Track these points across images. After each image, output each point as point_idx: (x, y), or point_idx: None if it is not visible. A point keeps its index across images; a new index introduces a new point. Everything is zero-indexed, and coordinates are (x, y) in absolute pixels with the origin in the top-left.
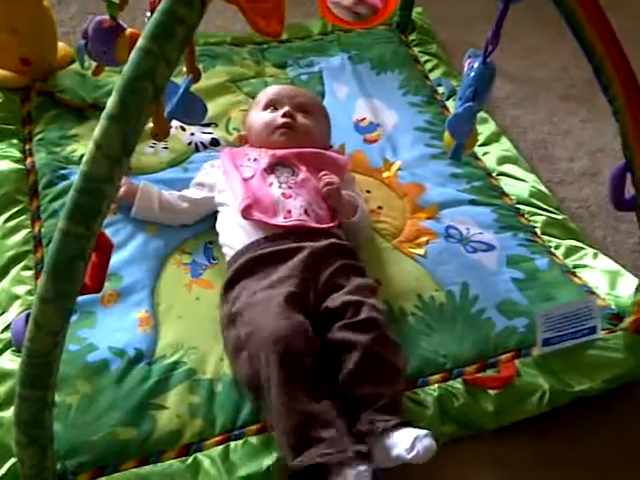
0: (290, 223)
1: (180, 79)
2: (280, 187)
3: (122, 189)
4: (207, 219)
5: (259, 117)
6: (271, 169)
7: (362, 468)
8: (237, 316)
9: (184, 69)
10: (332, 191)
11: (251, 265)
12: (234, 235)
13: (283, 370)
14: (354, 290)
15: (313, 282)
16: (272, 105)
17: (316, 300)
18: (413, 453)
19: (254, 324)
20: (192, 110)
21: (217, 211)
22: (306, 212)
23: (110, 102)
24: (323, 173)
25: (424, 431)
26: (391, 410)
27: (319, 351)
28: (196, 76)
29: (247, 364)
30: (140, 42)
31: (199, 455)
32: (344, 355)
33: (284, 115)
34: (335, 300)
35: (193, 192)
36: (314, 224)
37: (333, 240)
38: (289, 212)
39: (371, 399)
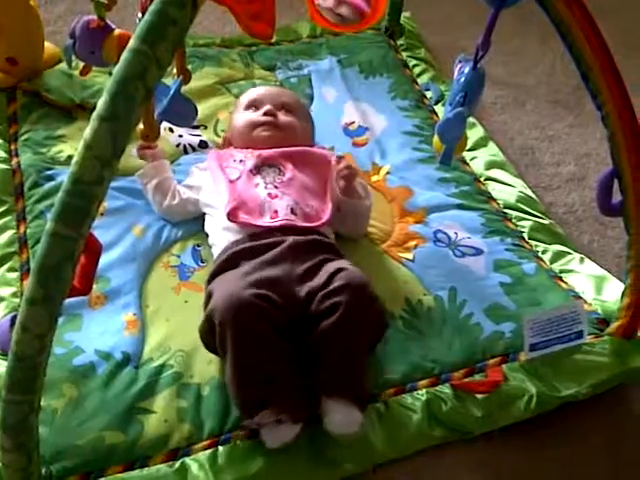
0: (276, 223)
1: (170, 80)
2: (266, 187)
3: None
4: (195, 220)
5: (240, 117)
6: (257, 170)
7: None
8: (208, 298)
9: (174, 71)
10: (352, 174)
11: (233, 258)
12: (221, 236)
13: (235, 333)
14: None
15: (289, 271)
16: (253, 105)
17: (291, 290)
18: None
19: (216, 296)
20: (182, 112)
21: (204, 213)
22: (292, 211)
23: (101, 103)
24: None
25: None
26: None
27: (283, 324)
28: (186, 78)
29: (207, 327)
30: (131, 43)
31: (187, 460)
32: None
33: (265, 113)
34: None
35: (184, 191)
36: (301, 223)
37: (317, 237)
38: (275, 212)
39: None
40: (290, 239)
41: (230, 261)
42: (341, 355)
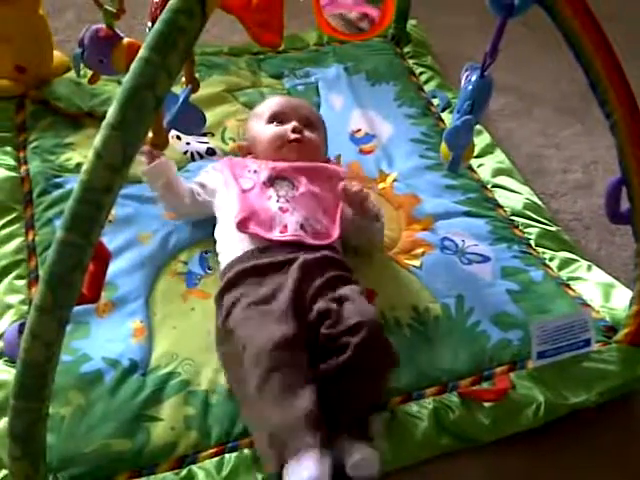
0: (285, 238)
1: (179, 89)
2: (278, 201)
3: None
4: (203, 227)
5: (265, 130)
6: (271, 182)
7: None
8: (231, 333)
9: (183, 79)
10: (365, 197)
11: (242, 276)
12: (229, 245)
13: (270, 378)
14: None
15: (304, 294)
16: (277, 118)
17: (305, 310)
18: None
19: (247, 340)
20: (191, 120)
21: (215, 217)
22: (302, 227)
23: (111, 112)
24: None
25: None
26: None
27: (308, 360)
28: (195, 86)
29: (238, 377)
30: (141, 52)
31: (193, 467)
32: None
33: (294, 130)
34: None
35: (199, 192)
36: (310, 240)
37: (327, 253)
38: (285, 227)
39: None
40: (300, 258)
41: (239, 278)
42: (360, 398)
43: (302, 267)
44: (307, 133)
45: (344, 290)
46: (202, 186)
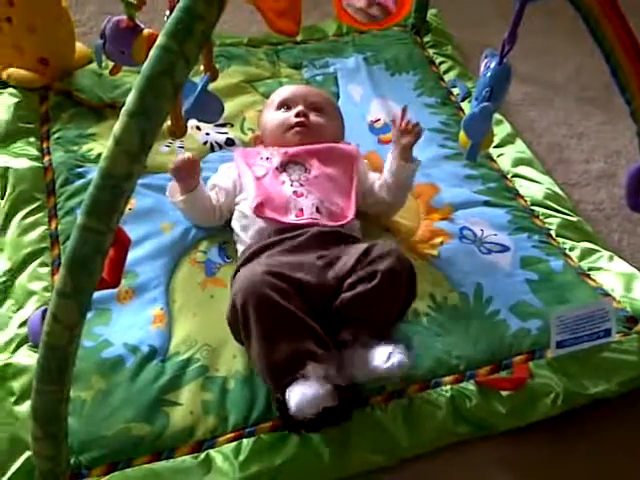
0: (301, 221)
1: (197, 78)
2: (292, 185)
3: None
4: None
5: (272, 117)
6: (283, 167)
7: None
8: (232, 285)
9: (201, 68)
10: (420, 132)
11: (257, 252)
12: (247, 232)
13: (259, 313)
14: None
15: (312, 258)
16: (285, 105)
17: (316, 274)
18: (389, 364)
19: (240, 280)
20: (209, 108)
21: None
22: (318, 210)
23: (130, 99)
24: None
25: (400, 345)
26: (378, 333)
27: (303, 299)
28: (213, 75)
29: (232, 314)
30: (160, 39)
31: (211, 452)
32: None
33: (297, 114)
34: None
35: (215, 197)
36: (326, 221)
37: (342, 231)
38: (301, 211)
39: (363, 320)
40: (314, 229)
41: (254, 255)
42: (377, 315)
43: (315, 236)
44: (313, 117)
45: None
46: (215, 187)
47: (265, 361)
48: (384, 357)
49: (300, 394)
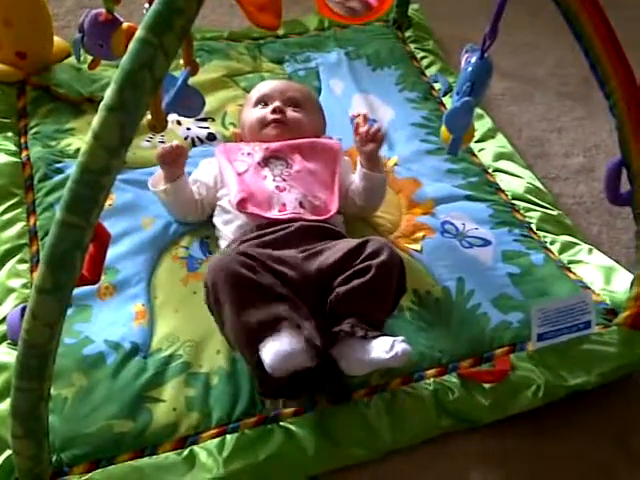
0: (284, 216)
1: (178, 72)
2: (274, 180)
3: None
4: None
5: (250, 114)
6: (265, 162)
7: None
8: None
9: (182, 62)
10: (381, 137)
11: (238, 245)
12: (229, 227)
13: (228, 285)
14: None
15: (294, 252)
16: (263, 101)
17: (296, 264)
18: (392, 353)
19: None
20: (190, 103)
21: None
22: (301, 204)
23: (108, 93)
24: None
25: (400, 337)
26: (374, 326)
27: (266, 270)
28: (194, 69)
29: (206, 297)
30: (139, 33)
31: (195, 448)
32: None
33: (274, 111)
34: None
35: (196, 191)
36: (310, 216)
37: (326, 225)
38: (284, 205)
39: (358, 314)
40: (297, 224)
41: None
42: (372, 308)
43: (298, 230)
44: (290, 113)
45: (347, 241)
46: (195, 182)
47: (238, 327)
48: (386, 347)
49: (274, 351)
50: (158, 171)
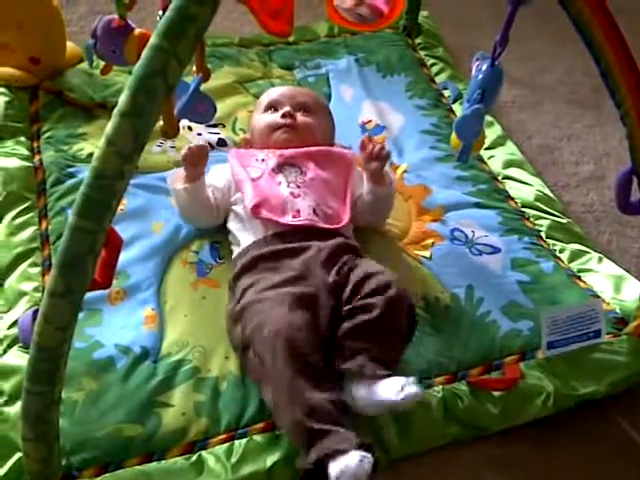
0: (299, 222)
1: (190, 78)
2: (288, 186)
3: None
4: None
5: (260, 119)
6: (279, 169)
7: (365, 455)
8: (243, 313)
9: (194, 68)
10: (386, 155)
11: (257, 262)
12: (243, 233)
13: (287, 364)
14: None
15: (321, 280)
16: (273, 106)
17: (325, 298)
18: (402, 395)
19: (259, 321)
20: (202, 109)
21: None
22: (315, 212)
23: (122, 99)
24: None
25: (411, 378)
26: (384, 364)
27: (327, 347)
28: (206, 75)
29: (253, 361)
30: (152, 39)
31: (204, 453)
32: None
33: (283, 115)
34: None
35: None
36: (323, 224)
37: (340, 240)
38: (298, 212)
39: (366, 350)
40: (314, 245)
41: (254, 264)
42: (379, 347)
43: (317, 254)
44: (300, 117)
45: (362, 268)
46: (209, 187)
47: (293, 417)
48: (396, 389)
49: (343, 465)
50: (179, 170)
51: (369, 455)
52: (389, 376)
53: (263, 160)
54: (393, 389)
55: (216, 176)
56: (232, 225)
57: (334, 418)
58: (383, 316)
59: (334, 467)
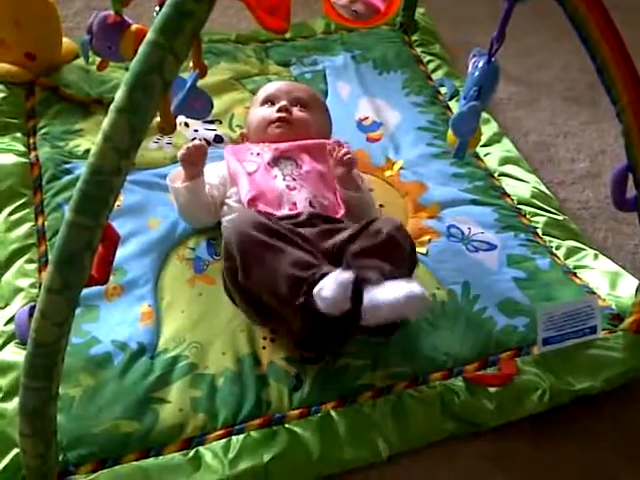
0: (295, 214)
1: (186, 74)
2: (284, 179)
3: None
4: None
5: (257, 113)
6: (274, 162)
7: (346, 275)
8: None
9: (190, 64)
10: (351, 161)
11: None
12: None
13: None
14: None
15: (308, 233)
16: (269, 101)
17: (313, 241)
18: (403, 294)
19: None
20: (199, 105)
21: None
22: (311, 204)
23: (119, 95)
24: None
25: (415, 281)
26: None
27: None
28: (202, 71)
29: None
30: (149, 35)
31: (201, 449)
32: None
33: (279, 109)
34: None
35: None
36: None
37: (335, 217)
38: (294, 204)
39: (376, 267)
40: (307, 212)
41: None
42: (391, 263)
43: (310, 218)
44: (296, 112)
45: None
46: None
47: (279, 273)
48: (399, 290)
49: (332, 281)
50: (177, 168)
51: (350, 273)
52: (395, 279)
53: (258, 154)
54: (395, 291)
55: (211, 174)
56: (226, 219)
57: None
58: (391, 240)
59: (317, 287)
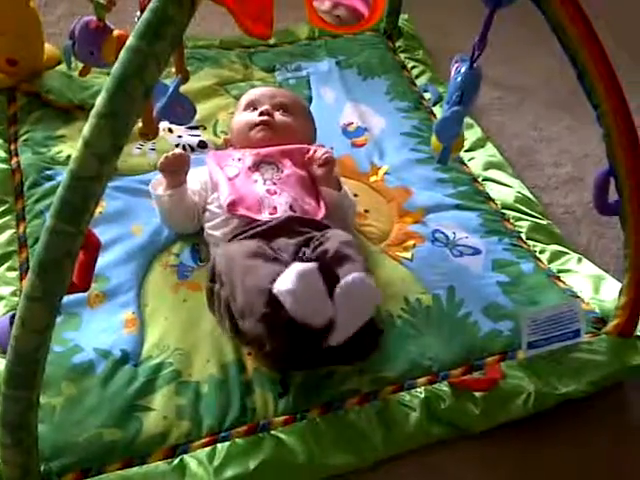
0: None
1: (169, 80)
2: (265, 184)
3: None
4: None
5: (239, 118)
6: (255, 167)
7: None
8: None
9: (173, 70)
10: (330, 159)
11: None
12: (218, 231)
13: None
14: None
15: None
16: (252, 105)
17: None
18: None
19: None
20: (181, 111)
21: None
22: (291, 208)
23: (99, 100)
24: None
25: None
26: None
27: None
28: (185, 77)
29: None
30: (130, 41)
31: (185, 457)
32: None
33: (261, 113)
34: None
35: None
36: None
37: (317, 219)
38: (274, 208)
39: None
40: (287, 214)
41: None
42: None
43: (291, 220)
44: (278, 116)
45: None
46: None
47: (248, 285)
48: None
49: (293, 275)
50: (159, 175)
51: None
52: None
53: (239, 159)
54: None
55: (192, 179)
56: (208, 224)
57: None
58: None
59: (275, 283)
